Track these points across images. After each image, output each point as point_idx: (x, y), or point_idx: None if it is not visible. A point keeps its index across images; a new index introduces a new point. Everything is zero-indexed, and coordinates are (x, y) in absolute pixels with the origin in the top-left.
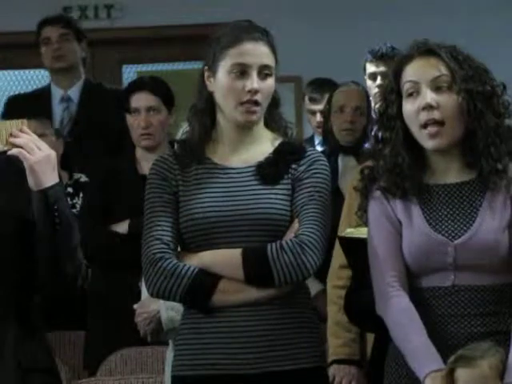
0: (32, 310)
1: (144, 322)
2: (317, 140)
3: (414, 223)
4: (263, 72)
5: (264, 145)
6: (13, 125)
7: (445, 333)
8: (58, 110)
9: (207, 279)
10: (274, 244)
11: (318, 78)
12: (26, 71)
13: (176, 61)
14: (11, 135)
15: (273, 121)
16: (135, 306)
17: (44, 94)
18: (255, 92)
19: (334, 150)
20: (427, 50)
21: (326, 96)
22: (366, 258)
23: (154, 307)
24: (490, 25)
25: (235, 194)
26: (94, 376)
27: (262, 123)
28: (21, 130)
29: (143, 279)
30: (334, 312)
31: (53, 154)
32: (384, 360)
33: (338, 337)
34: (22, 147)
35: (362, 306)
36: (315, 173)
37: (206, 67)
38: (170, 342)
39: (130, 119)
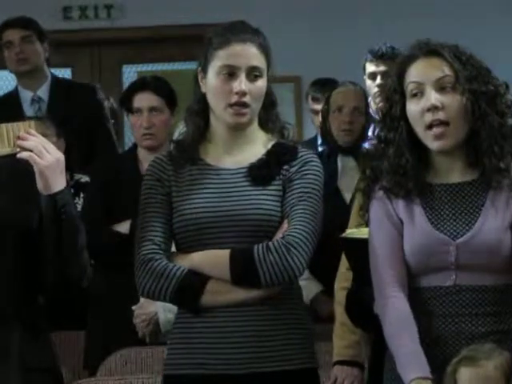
0: (37, 311)
1: (142, 323)
2: (320, 140)
3: (416, 222)
4: (252, 73)
5: (257, 146)
6: (20, 127)
7: (446, 332)
8: (30, 112)
9: (196, 280)
10: (260, 245)
11: (322, 78)
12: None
13: (176, 61)
14: (19, 138)
15: (269, 121)
16: (134, 308)
17: (12, 99)
18: (243, 94)
19: (332, 150)
20: (430, 51)
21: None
22: (367, 259)
23: (152, 309)
24: (491, 25)
25: (226, 195)
26: (94, 376)
27: (255, 124)
28: (28, 133)
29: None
30: (341, 313)
31: (61, 157)
32: (383, 361)
33: (342, 338)
34: (31, 150)
35: (362, 306)
36: (306, 174)
37: (199, 68)
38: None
39: (133, 119)
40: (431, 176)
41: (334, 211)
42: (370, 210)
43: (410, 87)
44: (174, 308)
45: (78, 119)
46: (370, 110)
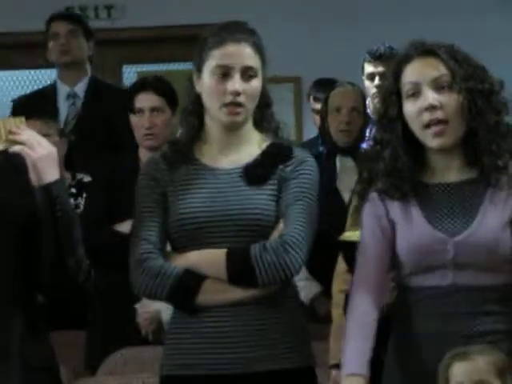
0: (36, 310)
1: (145, 322)
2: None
3: (413, 222)
4: (247, 73)
5: (252, 146)
6: (11, 122)
7: (443, 331)
8: (63, 106)
9: (192, 279)
10: (257, 244)
11: (323, 78)
12: (27, 71)
13: (176, 61)
14: (10, 133)
15: (264, 121)
16: (136, 306)
17: (49, 92)
18: (237, 94)
19: (331, 150)
20: (426, 50)
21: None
22: None
23: (155, 307)
24: (491, 25)
25: (222, 194)
26: (95, 376)
27: (250, 124)
28: (19, 128)
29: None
30: (338, 315)
31: (54, 149)
32: (382, 361)
33: (339, 341)
34: (22, 144)
35: None
36: (302, 174)
37: (195, 68)
38: None
39: (134, 119)
40: (428, 176)
41: (333, 211)
42: (362, 211)
43: (406, 87)
44: None
45: (109, 121)
46: (368, 111)
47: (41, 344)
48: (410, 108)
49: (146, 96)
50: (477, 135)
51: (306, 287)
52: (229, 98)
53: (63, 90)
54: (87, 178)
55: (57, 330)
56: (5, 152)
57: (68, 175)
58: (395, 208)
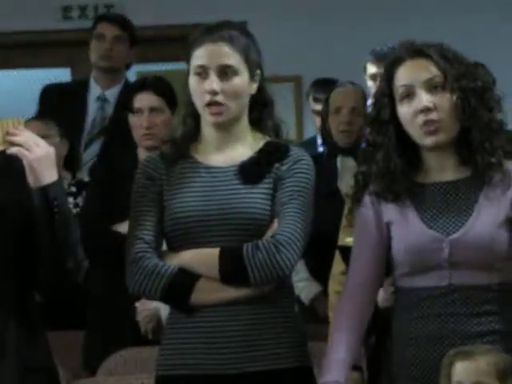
0: (33, 310)
1: (144, 319)
2: (319, 140)
3: (408, 222)
4: (224, 72)
5: (247, 145)
6: (9, 124)
7: (441, 332)
8: (92, 107)
9: (186, 278)
10: (250, 243)
11: (322, 78)
12: (26, 71)
13: (176, 61)
14: (8, 134)
15: (261, 120)
16: (137, 304)
17: (81, 89)
18: (215, 93)
19: (332, 151)
20: (416, 52)
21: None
22: None
23: (154, 305)
24: (490, 26)
25: (216, 193)
26: (94, 376)
27: (244, 123)
28: (17, 129)
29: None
30: None
31: (51, 150)
32: (381, 362)
33: None
34: (20, 145)
35: None
36: (297, 172)
37: (187, 69)
38: None
39: (133, 119)
40: (422, 176)
41: (334, 212)
42: (356, 214)
43: (399, 90)
44: None
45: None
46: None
47: (38, 344)
48: (404, 110)
49: (145, 96)
50: (470, 134)
51: (306, 287)
52: (207, 98)
53: (95, 90)
54: (87, 178)
55: (56, 330)
56: (2, 153)
57: (68, 175)
58: (390, 209)
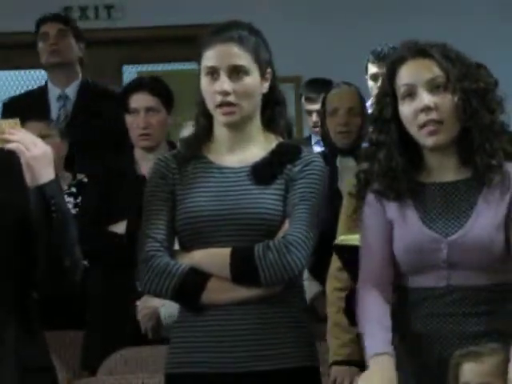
0: (31, 310)
1: (144, 318)
2: (313, 140)
3: (408, 222)
4: (235, 72)
5: (260, 145)
6: (6, 124)
7: (439, 332)
8: (54, 108)
9: (197, 278)
10: (261, 244)
11: (314, 78)
12: (26, 71)
13: (176, 61)
14: (3, 133)
15: (272, 120)
16: (138, 303)
17: (40, 93)
18: (226, 93)
19: (332, 152)
20: (419, 52)
21: (323, 95)
22: None
23: (155, 304)
24: (491, 26)
25: (228, 193)
26: (94, 376)
27: (256, 123)
28: (13, 129)
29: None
30: (334, 313)
31: (49, 150)
32: None
33: (337, 338)
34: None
35: None
36: (309, 174)
37: (198, 70)
38: None
39: (129, 119)
40: (424, 176)
41: (335, 212)
42: (362, 213)
43: (401, 89)
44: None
45: (99, 123)
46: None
47: (36, 344)
48: (405, 109)
49: (141, 96)
50: (471, 135)
51: (306, 287)
52: (218, 99)
53: (54, 91)
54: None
55: (55, 330)
56: (0, 151)
57: (69, 175)
58: (392, 208)
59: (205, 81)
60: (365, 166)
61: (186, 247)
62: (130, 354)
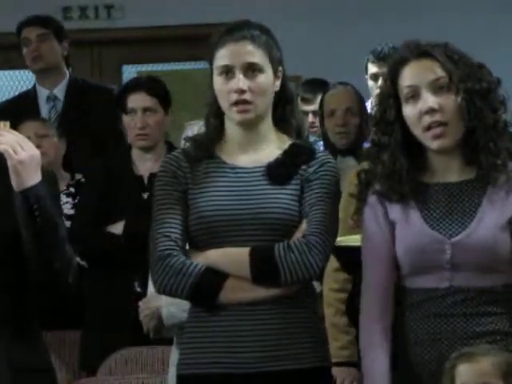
0: (26, 311)
1: (145, 318)
2: (310, 139)
3: (411, 222)
4: (250, 70)
5: (272, 145)
6: None
7: (441, 332)
8: (44, 109)
9: (214, 277)
10: (281, 244)
11: (310, 79)
12: (27, 71)
13: (176, 61)
14: None
15: (285, 119)
16: (140, 303)
17: (30, 95)
18: (242, 91)
19: (331, 152)
20: (421, 52)
21: (319, 96)
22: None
23: (157, 304)
24: (490, 26)
25: (244, 193)
26: (94, 376)
27: (269, 123)
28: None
29: (150, 276)
30: (331, 314)
31: (37, 153)
32: None
33: (336, 340)
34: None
35: None
36: (324, 174)
37: (210, 70)
38: (175, 338)
39: (127, 119)
40: (427, 177)
41: None
42: (362, 215)
43: (404, 91)
44: (177, 302)
45: (91, 120)
46: (371, 111)
47: (32, 345)
48: (409, 111)
49: (138, 96)
50: (475, 135)
51: None
52: (234, 97)
53: (43, 93)
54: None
55: (56, 330)
56: None
57: (67, 175)
58: (394, 209)
59: (218, 80)
60: (366, 165)
61: (199, 247)
62: (129, 353)
